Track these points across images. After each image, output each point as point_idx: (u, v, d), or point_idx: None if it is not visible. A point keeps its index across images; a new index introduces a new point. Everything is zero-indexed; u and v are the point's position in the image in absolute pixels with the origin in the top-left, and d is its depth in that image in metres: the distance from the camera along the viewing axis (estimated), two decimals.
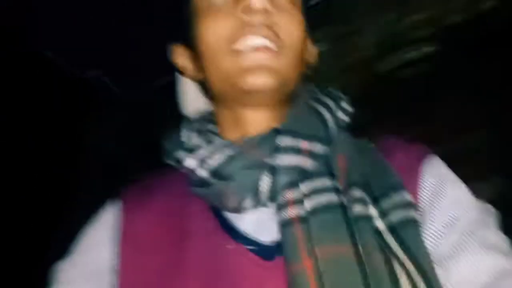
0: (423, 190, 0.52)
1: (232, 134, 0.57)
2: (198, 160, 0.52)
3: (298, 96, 0.58)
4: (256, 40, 0.51)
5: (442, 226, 0.49)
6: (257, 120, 0.56)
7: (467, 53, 1.55)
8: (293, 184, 0.49)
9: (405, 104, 1.61)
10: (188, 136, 0.57)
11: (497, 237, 0.49)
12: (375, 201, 0.49)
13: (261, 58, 0.51)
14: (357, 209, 0.47)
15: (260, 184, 0.49)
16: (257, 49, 0.51)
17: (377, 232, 0.47)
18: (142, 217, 0.55)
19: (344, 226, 0.45)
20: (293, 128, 0.52)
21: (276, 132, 0.53)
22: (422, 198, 0.51)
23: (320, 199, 0.48)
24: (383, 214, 0.48)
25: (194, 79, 0.62)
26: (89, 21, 1.80)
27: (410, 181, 0.52)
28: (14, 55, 1.88)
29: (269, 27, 0.51)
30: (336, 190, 0.48)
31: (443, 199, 0.51)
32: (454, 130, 1.47)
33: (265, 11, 0.50)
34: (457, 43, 1.59)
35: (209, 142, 0.55)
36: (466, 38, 1.58)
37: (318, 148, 0.51)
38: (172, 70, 0.67)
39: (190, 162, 0.53)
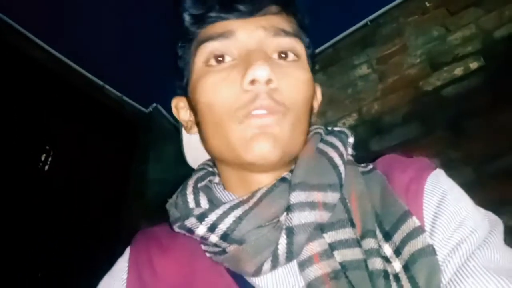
0: (426, 210, 0.51)
1: (238, 190, 0.56)
2: (208, 226, 0.50)
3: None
4: (260, 111, 0.50)
5: (447, 250, 0.47)
6: (265, 180, 0.54)
7: None
8: (315, 236, 0.48)
9: (452, 121, 1.59)
10: (195, 200, 0.55)
11: (503, 255, 0.47)
12: (387, 237, 0.49)
13: (264, 125, 0.50)
14: (377, 264, 0.46)
15: (279, 247, 0.48)
16: (261, 116, 0.50)
17: (396, 278, 0.47)
18: (150, 276, 0.54)
19: (369, 284, 0.45)
20: (303, 178, 0.50)
21: (283, 181, 0.52)
22: (426, 219, 0.50)
23: (346, 253, 0.47)
24: (397, 252, 0.48)
25: (194, 132, 0.62)
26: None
27: (413, 201, 0.51)
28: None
29: (272, 96, 0.51)
30: (358, 242, 0.47)
31: (446, 221, 0.49)
32: (502, 147, 1.44)
33: (269, 81, 0.50)
34: (502, 57, 1.56)
35: (215, 200, 0.54)
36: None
37: (331, 197, 0.50)
38: None
39: (201, 230, 0.50)
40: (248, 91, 0.51)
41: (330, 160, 0.52)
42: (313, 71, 0.61)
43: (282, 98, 0.51)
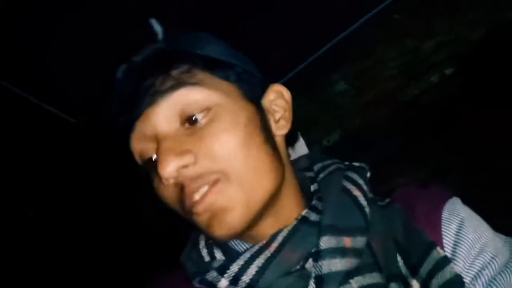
0: (445, 239, 0.50)
1: (251, 240, 0.52)
2: (230, 279, 0.46)
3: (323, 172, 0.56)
4: (196, 196, 0.46)
5: (469, 278, 0.48)
6: (268, 226, 0.50)
7: (489, 69, 1.54)
8: (342, 282, 0.46)
9: (434, 130, 1.60)
10: (209, 254, 0.52)
11: None
12: (414, 271, 0.48)
13: (208, 205, 0.45)
14: None
15: None
16: (200, 202, 0.45)
17: None
18: None
19: None
20: (333, 221, 0.48)
21: (304, 221, 0.49)
22: (446, 248, 0.50)
23: None
24: (425, 286, 0.47)
25: None
26: None
27: (433, 232, 0.51)
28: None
29: (197, 173, 0.45)
30: (385, 287, 0.47)
31: (467, 249, 0.49)
32: (486, 152, 1.45)
33: (183, 167, 0.45)
34: (477, 61, 1.58)
35: (231, 250, 0.51)
36: (486, 55, 1.58)
37: (360, 242, 0.48)
38: None
39: (223, 283, 0.47)
40: (174, 184, 0.46)
41: (355, 200, 0.51)
42: (252, 90, 0.53)
43: (210, 166, 0.45)
